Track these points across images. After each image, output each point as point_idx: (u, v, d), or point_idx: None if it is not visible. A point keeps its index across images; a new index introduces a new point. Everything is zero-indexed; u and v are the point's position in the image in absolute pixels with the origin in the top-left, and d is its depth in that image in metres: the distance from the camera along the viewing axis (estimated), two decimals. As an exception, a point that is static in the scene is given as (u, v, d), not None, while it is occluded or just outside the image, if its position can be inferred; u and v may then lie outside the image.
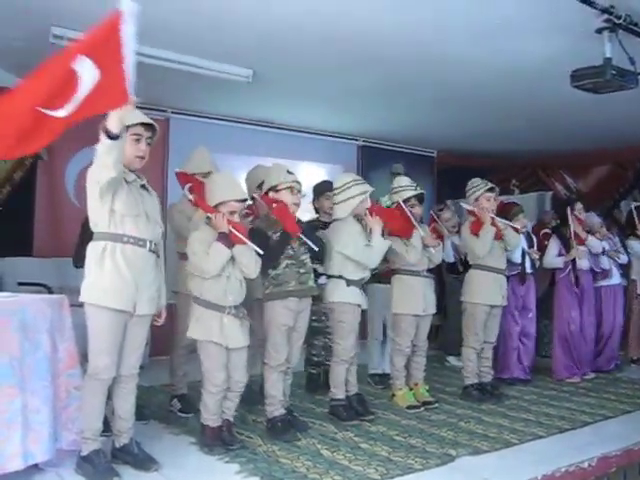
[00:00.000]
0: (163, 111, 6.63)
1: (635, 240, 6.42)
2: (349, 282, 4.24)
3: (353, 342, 4.29)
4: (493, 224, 4.86)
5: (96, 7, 4.10)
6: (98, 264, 3.05)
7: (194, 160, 4.37)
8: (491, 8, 4.13)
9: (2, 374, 2.88)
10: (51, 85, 2.67)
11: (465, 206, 5.04)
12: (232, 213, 3.56)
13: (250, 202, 4.21)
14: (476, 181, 5.04)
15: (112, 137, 2.83)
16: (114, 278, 3.04)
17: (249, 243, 3.55)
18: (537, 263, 5.68)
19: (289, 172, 3.97)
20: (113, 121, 2.82)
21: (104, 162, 2.89)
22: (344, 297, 4.25)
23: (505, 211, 5.33)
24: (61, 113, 2.69)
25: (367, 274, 4.37)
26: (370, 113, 7.20)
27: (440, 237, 5.12)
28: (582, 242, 5.79)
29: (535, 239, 5.88)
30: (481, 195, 4.96)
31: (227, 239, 3.49)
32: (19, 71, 5.54)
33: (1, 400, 2.87)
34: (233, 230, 3.50)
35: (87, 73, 2.67)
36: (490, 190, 4.96)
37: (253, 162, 5.18)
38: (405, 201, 4.59)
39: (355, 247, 4.20)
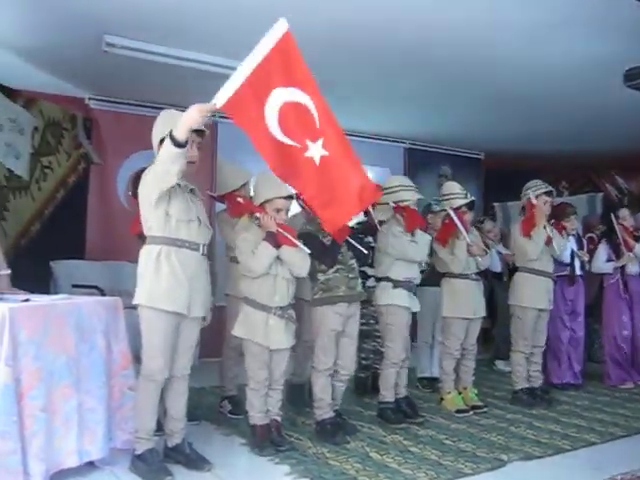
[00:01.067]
0: (212, 115, 6.68)
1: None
2: (396, 284, 4.23)
3: (403, 345, 4.28)
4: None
5: (148, 15, 4.22)
6: (154, 268, 3.10)
7: (224, 180, 4.37)
8: (542, 8, 4.08)
9: (59, 374, 2.96)
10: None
11: (533, 199, 4.84)
12: (278, 211, 3.59)
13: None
14: (536, 181, 4.95)
15: (180, 145, 2.87)
16: (170, 281, 3.09)
17: (297, 242, 3.58)
18: (587, 266, 5.58)
19: None
20: (182, 129, 2.87)
21: (168, 169, 2.95)
22: (392, 299, 4.24)
23: (558, 211, 5.25)
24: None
25: (416, 275, 4.34)
26: (417, 115, 7.17)
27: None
28: (630, 248, 5.67)
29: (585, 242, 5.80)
30: (539, 196, 4.88)
31: (274, 239, 3.53)
32: (72, 79, 5.71)
33: (58, 399, 2.95)
34: (280, 230, 3.54)
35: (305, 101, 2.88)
36: (548, 194, 4.89)
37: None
38: (455, 209, 4.56)
39: (401, 245, 4.20)
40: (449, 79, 5.67)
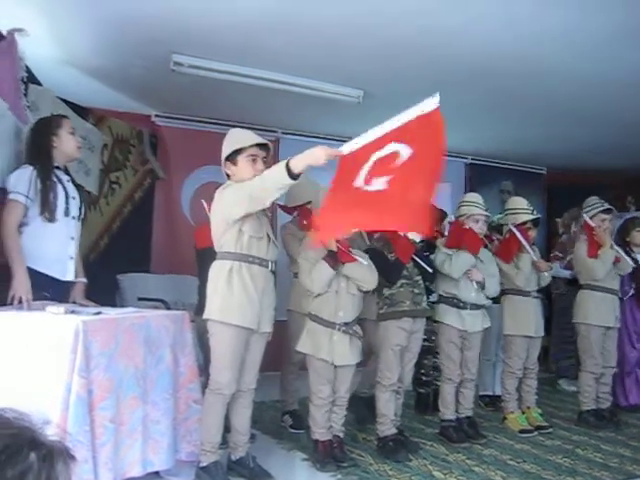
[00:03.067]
0: (273, 132, 6.79)
1: None
2: (454, 303, 4.20)
3: (455, 363, 4.23)
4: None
5: (214, 34, 4.32)
6: (226, 283, 3.16)
7: (297, 191, 4.35)
8: (605, 18, 3.99)
9: (128, 385, 3.02)
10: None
11: (588, 221, 4.80)
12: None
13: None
14: (593, 199, 4.88)
15: (294, 177, 2.92)
16: (242, 297, 3.15)
17: (356, 257, 3.59)
18: None
19: None
20: (302, 163, 2.91)
21: (269, 195, 3.02)
22: (445, 318, 4.23)
23: (626, 227, 5.14)
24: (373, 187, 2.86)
25: (476, 295, 4.26)
26: (479, 130, 7.11)
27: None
28: None
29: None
30: (595, 215, 4.80)
31: (334, 257, 3.54)
32: (140, 97, 5.87)
33: (125, 410, 3.01)
34: (340, 247, 3.55)
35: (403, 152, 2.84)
36: (606, 212, 4.79)
37: (362, 181, 5.22)
38: (521, 224, 4.50)
39: (446, 262, 4.17)
40: (512, 92, 5.60)
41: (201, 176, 6.29)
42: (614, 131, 6.75)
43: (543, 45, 4.46)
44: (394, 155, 2.83)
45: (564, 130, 6.88)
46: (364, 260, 3.61)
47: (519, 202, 4.69)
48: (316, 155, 2.90)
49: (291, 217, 4.51)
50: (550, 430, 4.55)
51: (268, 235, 3.29)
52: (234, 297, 3.15)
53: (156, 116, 6.41)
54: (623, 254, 4.82)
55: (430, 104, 2.82)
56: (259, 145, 3.27)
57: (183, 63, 4.63)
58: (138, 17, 4.03)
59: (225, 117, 6.24)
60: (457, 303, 4.22)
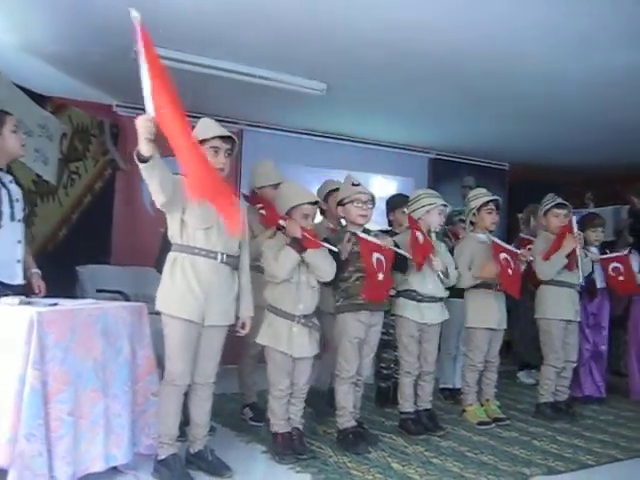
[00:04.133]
0: (237, 124, 6.75)
1: None
2: (410, 296, 4.23)
3: (414, 356, 4.26)
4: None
5: (177, 25, 4.27)
6: (170, 275, 3.14)
7: (261, 173, 4.39)
8: (573, 20, 4.06)
9: (87, 377, 2.99)
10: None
11: (541, 215, 4.98)
12: (306, 216, 3.61)
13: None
14: (547, 196, 4.98)
15: (143, 159, 2.79)
16: (183, 289, 3.11)
17: (323, 244, 3.61)
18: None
19: (354, 184, 3.96)
20: (139, 143, 2.76)
21: (151, 187, 2.93)
22: (404, 312, 4.24)
23: (586, 222, 5.25)
24: None
25: (434, 288, 4.27)
26: (443, 126, 7.16)
27: None
28: None
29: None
30: (549, 211, 4.88)
31: (299, 244, 3.54)
32: (101, 86, 5.79)
33: (86, 403, 2.98)
34: (305, 234, 3.55)
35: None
36: (559, 206, 4.87)
37: (325, 174, 5.23)
38: (483, 205, 4.57)
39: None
40: (478, 91, 5.66)
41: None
42: (575, 130, 6.86)
43: (509, 44, 4.52)
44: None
45: (527, 127, 6.97)
46: (328, 245, 3.63)
47: (478, 190, 4.75)
48: (139, 130, 2.74)
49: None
50: (508, 422, 4.60)
51: (219, 225, 3.17)
52: (175, 289, 3.12)
53: (117, 106, 6.33)
54: (583, 257, 4.86)
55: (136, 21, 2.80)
56: (222, 137, 3.24)
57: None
58: (97, 5, 3.97)
59: (188, 108, 6.10)
60: (415, 296, 4.23)
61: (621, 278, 5.37)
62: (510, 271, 4.47)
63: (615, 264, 5.43)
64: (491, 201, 4.59)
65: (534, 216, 5.84)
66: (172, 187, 2.98)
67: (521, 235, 6.19)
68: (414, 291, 4.21)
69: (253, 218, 4.16)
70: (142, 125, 2.74)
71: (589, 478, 3.56)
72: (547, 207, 4.92)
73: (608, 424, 4.73)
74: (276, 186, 4.13)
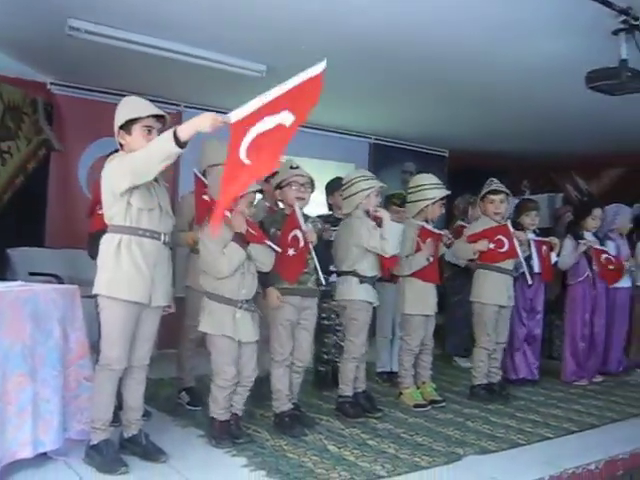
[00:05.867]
0: (176, 105, 6.64)
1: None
2: (362, 279, 4.24)
3: (365, 340, 4.30)
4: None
5: (114, 1, 4.15)
6: (114, 257, 3.06)
7: (209, 153, 4.32)
8: (505, 7, 4.11)
9: (14, 362, 2.91)
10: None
11: (479, 201, 5.09)
12: (250, 204, 3.58)
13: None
14: (488, 181, 5.05)
15: (181, 145, 2.83)
16: (131, 271, 3.06)
17: (266, 241, 3.58)
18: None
19: (292, 167, 3.95)
20: (189, 131, 2.83)
21: (155, 167, 2.93)
22: (357, 295, 4.25)
23: (520, 207, 5.38)
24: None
25: (378, 271, 4.35)
26: (382, 111, 7.18)
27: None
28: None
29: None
30: (485, 196, 4.97)
31: (242, 238, 3.49)
32: (34, 63, 5.60)
33: (12, 388, 2.90)
34: (251, 230, 3.51)
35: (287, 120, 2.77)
36: (493, 192, 4.96)
37: (265, 158, 5.18)
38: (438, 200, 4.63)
39: (373, 237, 4.16)
40: (415, 76, 5.69)
41: (100, 148, 6.02)
42: (512, 117, 6.99)
43: (441, 30, 4.55)
44: (279, 127, 2.78)
45: (465, 114, 7.06)
46: (271, 244, 3.60)
47: (429, 178, 4.75)
48: (202, 121, 2.84)
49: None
50: (443, 404, 4.68)
51: (160, 206, 3.18)
52: (122, 271, 3.06)
53: (52, 84, 6.14)
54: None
55: (317, 69, 2.76)
56: (155, 117, 3.18)
57: (80, 28, 4.43)
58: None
59: (126, 88, 6.00)
60: (372, 280, 4.28)
61: (611, 267, 5.64)
62: (431, 258, 4.58)
63: (606, 255, 5.68)
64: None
65: (472, 206, 5.93)
66: None
67: (459, 223, 6.24)
68: (361, 273, 4.24)
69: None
70: (211, 123, 2.81)
71: (519, 456, 3.65)
72: (484, 192, 5.01)
73: (539, 405, 4.86)
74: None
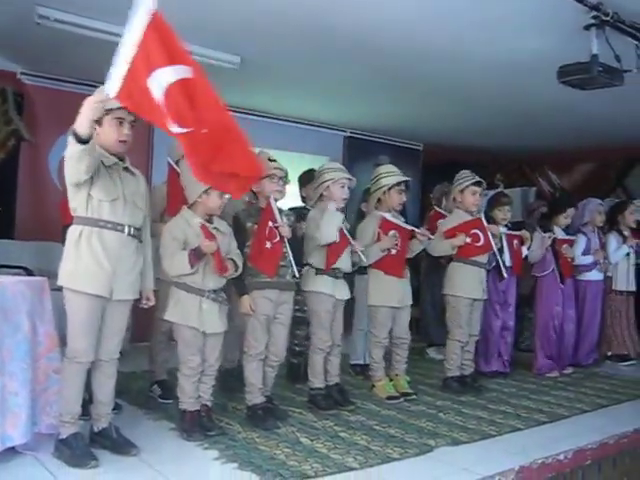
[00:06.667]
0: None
1: (613, 237, 6.42)
2: (318, 270, 4.24)
3: (327, 332, 4.28)
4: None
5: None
6: (75, 249, 3.03)
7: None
8: (479, 4, 4.14)
9: (-20, 355, 2.86)
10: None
11: (457, 192, 5.04)
12: (221, 195, 3.54)
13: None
14: (464, 172, 5.06)
15: (83, 141, 2.74)
16: (90, 263, 3.02)
17: (230, 269, 3.57)
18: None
19: (270, 160, 3.93)
20: (80, 121, 2.73)
21: (77, 168, 2.85)
22: (315, 286, 4.25)
23: (493, 201, 5.42)
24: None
25: (344, 263, 4.32)
26: (357, 104, 7.19)
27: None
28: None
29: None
30: (466, 188, 4.98)
31: (199, 256, 3.43)
32: (3, 52, 5.50)
33: (-21, 382, 2.86)
34: (218, 256, 3.46)
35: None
36: (477, 184, 4.97)
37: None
38: (396, 184, 4.59)
39: (317, 228, 4.16)
40: (387, 69, 5.70)
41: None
42: (485, 111, 7.05)
43: (418, 25, 4.56)
44: (183, 82, 2.76)
45: (439, 108, 7.10)
46: (235, 271, 3.61)
47: (385, 167, 4.76)
48: (85, 110, 2.74)
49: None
50: (415, 397, 4.69)
51: (125, 197, 3.13)
52: (82, 263, 3.02)
53: (22, 74, 6.05)
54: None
55: (143, 15, 2.80)
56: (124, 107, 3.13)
57: (49, 17, 4.37)
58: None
59: (98, 78, 5.85)
60: (333, 272, 4.26)
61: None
62: (394, 251, 4.57)
63: (566, 245, 5.72)
64: (403, 181, 4.64)
65: (446, 196, 5.94)
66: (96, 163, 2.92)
67: (436, 209, 6.23)
68: (320, 267, 4.24)
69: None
70: (91, 107, 2.71)
71: (491, 447, 3.67)
72: (465, 184, 4.98)
73: (511, 396, 4.90)
74: None
